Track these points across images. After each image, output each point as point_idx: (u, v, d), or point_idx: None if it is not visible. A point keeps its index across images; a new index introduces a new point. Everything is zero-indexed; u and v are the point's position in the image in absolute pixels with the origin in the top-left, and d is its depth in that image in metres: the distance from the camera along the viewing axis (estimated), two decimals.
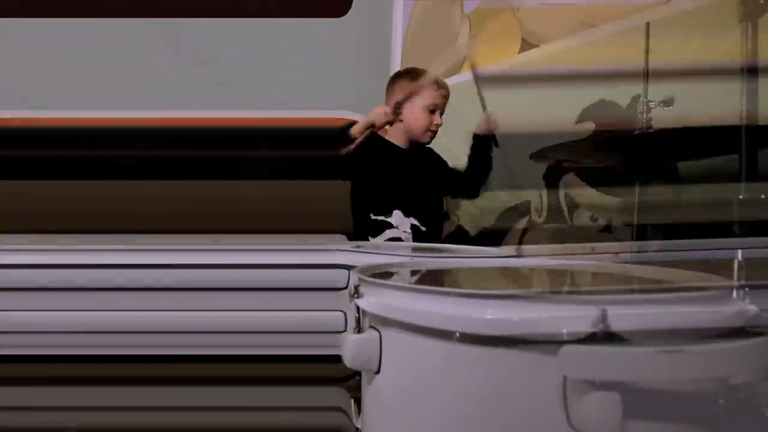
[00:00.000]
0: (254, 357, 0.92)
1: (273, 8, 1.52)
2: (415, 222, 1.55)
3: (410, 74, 1.64)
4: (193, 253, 0.98)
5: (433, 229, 1.59)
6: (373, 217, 1.54)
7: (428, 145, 1.66)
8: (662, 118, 1.34)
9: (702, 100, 1.39)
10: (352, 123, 1.82)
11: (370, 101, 1.67)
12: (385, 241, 1.52)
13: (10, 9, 1.29)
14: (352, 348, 0.54)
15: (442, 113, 1.60)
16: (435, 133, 1.60)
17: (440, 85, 1.61)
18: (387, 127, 1.63)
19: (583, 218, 1.71)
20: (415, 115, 1.58)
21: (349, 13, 1.73)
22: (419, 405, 0.51)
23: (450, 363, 0.48)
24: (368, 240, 1.52)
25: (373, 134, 1.66)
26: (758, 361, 0.43)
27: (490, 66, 1.94)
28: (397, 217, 1.54)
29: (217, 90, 1.54)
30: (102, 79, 1.55)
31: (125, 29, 1.57)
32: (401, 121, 1.60)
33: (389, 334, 0.53)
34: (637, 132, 1.34)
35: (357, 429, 0.63)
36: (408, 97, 1.58)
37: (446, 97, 1.61)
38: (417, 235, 1.55)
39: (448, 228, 1.85)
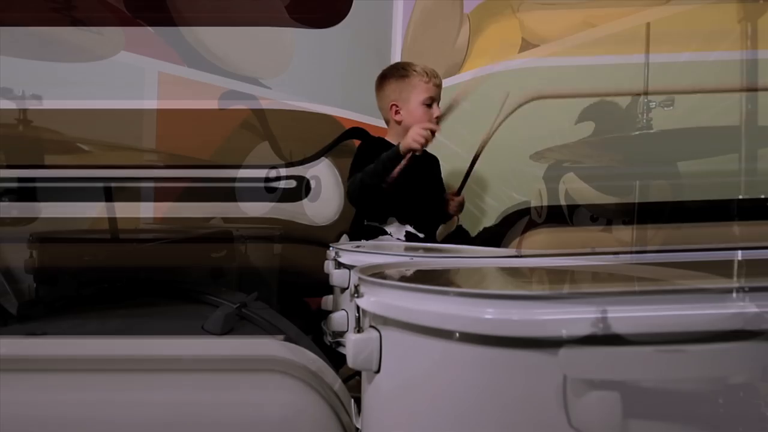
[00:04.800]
0: None
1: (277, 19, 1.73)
2: (411, 230, 1.49)
3: (398, 72, 1.52)
4: None
5: (430, 235, 1.53)
6: (366, 222, 1.49)
7: (432, 153, 1.59)
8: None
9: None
10: (356, 127, 1.82)
11: (366, 99, 1.66)
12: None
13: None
14: (352, 347, 0.54)
15: (438, 103, 1.50)
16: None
17: (431, 76, 1.49)
18: (388, 129, 1.58)
19: (583, 218, 1.71)
20: (412, 113, 1.48)
21: (348, 14, 1.77)
22: (419, 404, 0.50)
23: (450, 362, 0.48)
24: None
25: (377, 137, 1.61)
26: (757, 361, 0.43)
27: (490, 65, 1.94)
28: (391, 224, 1.49)
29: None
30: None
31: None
32: (399, 123, 1.51)
33: (389, 334, 0.53)
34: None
35: (357, 429, 0.63)
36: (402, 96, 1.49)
37: (439, 86, 1.50)
38: (413, 242, 1.48)
39: (448, 228, 1.84)
